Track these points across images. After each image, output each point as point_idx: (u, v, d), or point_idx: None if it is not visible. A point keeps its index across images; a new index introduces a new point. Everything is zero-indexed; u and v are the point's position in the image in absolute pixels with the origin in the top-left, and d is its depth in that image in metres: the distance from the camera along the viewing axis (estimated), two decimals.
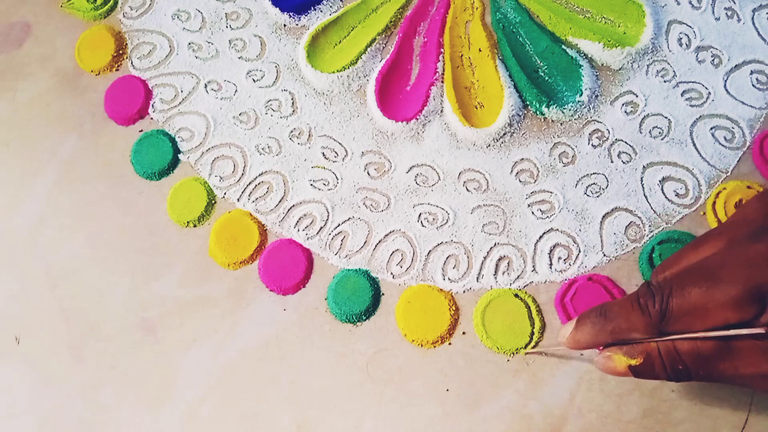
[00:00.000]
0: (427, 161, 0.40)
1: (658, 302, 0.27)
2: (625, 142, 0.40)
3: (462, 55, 0.42)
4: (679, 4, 0.43)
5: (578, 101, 0.40)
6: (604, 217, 0.38)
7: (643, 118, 0.40)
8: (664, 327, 0.27)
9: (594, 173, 0.39)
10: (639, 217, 0.38)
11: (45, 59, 0.44)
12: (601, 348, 0.29)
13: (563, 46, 0.42)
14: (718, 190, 0.38)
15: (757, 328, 0.25)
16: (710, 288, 0.26)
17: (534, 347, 0.36)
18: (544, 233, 0.38)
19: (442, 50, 0.43)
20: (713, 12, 0.42)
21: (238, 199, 0.40)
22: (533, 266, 0.37)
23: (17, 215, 0.41)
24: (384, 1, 0.44)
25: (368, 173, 0.40)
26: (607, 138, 0.40)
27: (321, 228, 0.39)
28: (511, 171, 0.40)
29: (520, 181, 0.39)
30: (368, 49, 0.43)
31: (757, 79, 0.41)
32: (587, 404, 0.34)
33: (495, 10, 0.43)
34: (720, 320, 0.26)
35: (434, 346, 0.36)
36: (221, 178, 0.41)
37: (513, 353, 0.35)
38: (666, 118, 0.40)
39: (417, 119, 0.40)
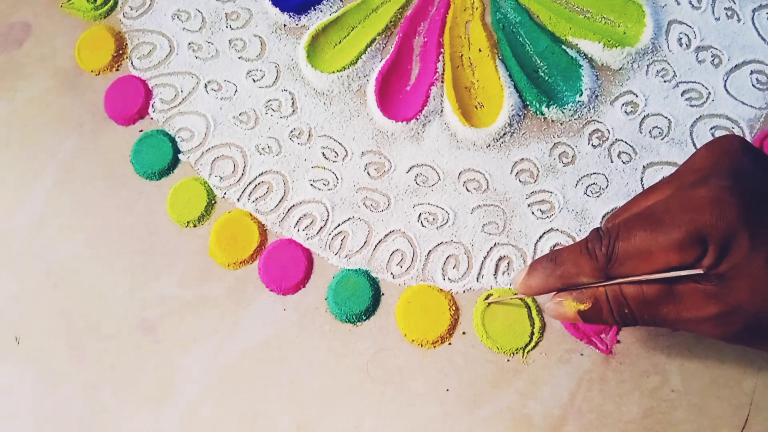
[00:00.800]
0: (427, 161, 0.40)
1: (605, 246, 0.27)
2: (625, 142, 0.40)
3: (462, 55, 0.42)
4: (679, 4, 0.43)
5: (578, 101, 0.40)
6: (604, 217, 0.38)
7: (643, 118, 0.40)
8: (610, 270, 0.27)
9: (594, 173, 0.39)
10: None
11: (45, 59, 0.44)
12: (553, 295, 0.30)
13: (563, 46, 0.42)
14: None
15: (696, 269, 0.26)
16: (654, 231, 0.26)
17: (534, 347, 0.36)
18: (544, 233, 0.38)
19: (442, 50, 0.43)
20: (713, 12, 0.42)
21: (238, 199, 0.40)
22: None
23: (17, 215, 0.41)
24: (384, 1, 0.44)
25: (368, 173, 0.40)
26: (607, 138, 0.40)
27: (321, 228, 0.39)
28: (511, 171, 0.40)
29: (520, 181, 0.39)
30: (368, 49, 0.43)
31: (757, 79, 0.41)
32: (587, 404, 0.34)
33: (495, 10, 0.43)
34: (663, 263, 0.26)
35: (434, 346, 0.36)
36: (221, 178, 0.41)
37: (513, 353, 0.35)
38: (666, 118, 0.40)
39: (417, 119, 0.40)
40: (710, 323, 0.27)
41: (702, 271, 0.26)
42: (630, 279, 0.27)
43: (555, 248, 0.30)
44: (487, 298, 0.36)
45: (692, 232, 0.25)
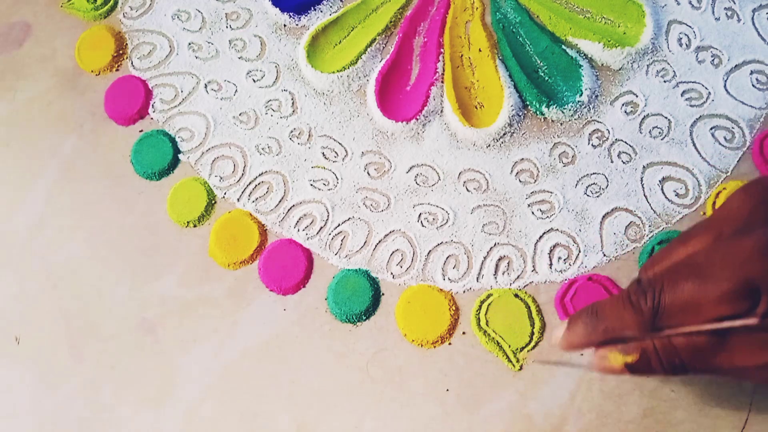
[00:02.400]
0: (427, 161, 0.40)
1: (650, 299, 0.27)
2: (625, 142, 0.40)
3: (462, 55, 0.42)
4: (679, 4, 0.43)
5: (578, 101, 0.40)
6: (604, 217, 0.38)
7: (643, 118, 0.40)
8: (657, 324, 0.27)
9: (594, 173, 0.39)
10: (639, 217, 0.38)
11: (45, 59, 0.44)
12: (596, 347, 0.29)
13: (563, 46, 0.42)
14: (718, 190, 0.38)
15: (750, 319, 0.25)
16: (702, 284, 0.26)
17: (534, 347, 0.36)
18: (544, 233, 0.38)
19: (442, 50, 0.43)
20: (713, 12, 0.42)
21: (238, 199, 0.40)
22: (533, 266, 0.37)
23: (17, 215, 0.41)
24: (384, 1, 0.44)
25: (368, 173, 0.40)
26: (607, 138, 0.40)
27: (321, 228, 0.39)
28: (511, 171, 0.40)
29: (520, 181, 0.39)
30: (368, 49, 0.43)
31: (757, 79, 0.41)
32: (587, 404, 0.34)
33: (495, 10, 0.43)
34: (713, 315, 0.26)
35: (434, 346, 0.36)
36: (221, 178, 0.41)
37: (514, 353, 0.35)
38: (666, 118, 0.40)
39: (417, 119, 0.40)
40: (763, 372, 0.26)
41: (756, 321, 0.25)
42: (679, 331, 0.26)
43: (593, 303, 0.29)
44: (526, 346, 0.35)
45: (743, 284, 0.25)
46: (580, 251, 0.37)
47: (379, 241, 0.39)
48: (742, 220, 0.27)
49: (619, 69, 0.41)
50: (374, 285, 0.37)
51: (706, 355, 0.27)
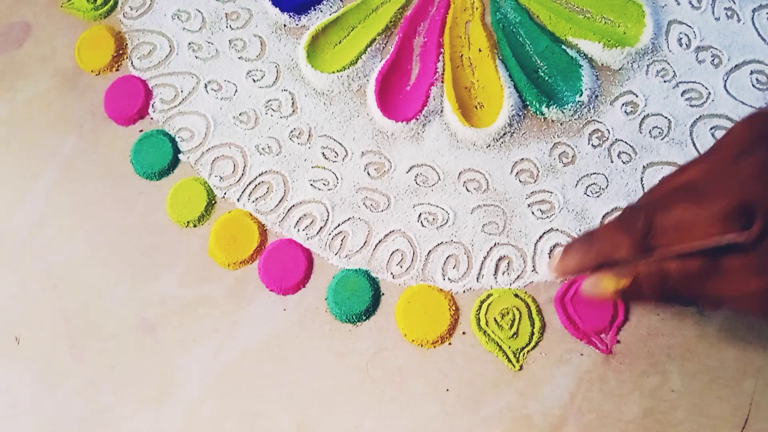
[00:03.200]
0: (427, 161, 0.40)
1: (642, 219, 0.26)
2: (625, 142, 0.40)
3: (462, 55, 0.42)
4: (679, 4, 0.43)
5: (578, 101, 0.40)
6: (604, 217, 0.38)
7: (643, 118, 0.40)
8: (648, 243, 0.26)
9: (594, 173, 0.39)
10: None
11: (45, 59, 0.44)
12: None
13: (563, 46, 0.42)
14: None
15: (742, 234, 0.25)
16: (696, 203, 0.25)
17: (534, 347, 0.36)
18: (544, 233, 0.38)
19: (442, 50, 0.43)
20: (713, 12, 0.42)
21: (238, 199, 0.40)
22: (533, 266, 0.37)
23: (17, 215, 0.41)
24: (384, 1, 0.44)
25: (368, 173, 0.40)
26: (607, 138, 0.40)
27: (321, 228, 0.39)
28: (511, 171, 0.40)
29: (520, 181, 0.39)
30: (368, 49, 0.43)
31: (757, 79, 0.41)
32: (587, 404, 0.34)
33: (495, 10, 0.43)
34: (704, 235, 0.25)
35: (434, 346, 0.36)
36: (221, 178, 0.41)
37: (514, 353, 0.35)
38: (666, 118, 0.40)
39: (417, 119, 0.40)
40: (755, 299, 0.26)
41: (746, 237, 0.25)
42: (671, 249, 0.26)
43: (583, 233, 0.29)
44: (526, 346, 0.36)
45: (739, 202, 0.25)
46: None
47: (379, 241, 0.39)
48: (743, 147, 0.27)
49: (619, 69, 0.41)
50: (374, 285, 0.37)
51: (698, 280, 0.26)
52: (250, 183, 0.40)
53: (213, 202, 0.40)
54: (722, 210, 0.25)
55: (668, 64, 0.41)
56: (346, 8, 0.44)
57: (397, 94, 0.42)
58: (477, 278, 0.37)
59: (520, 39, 0.42)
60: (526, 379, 0.35)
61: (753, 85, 0.40)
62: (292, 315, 0.37)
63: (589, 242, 0.29)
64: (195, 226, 0.40)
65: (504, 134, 0.40)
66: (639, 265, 0.27)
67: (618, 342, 0.35)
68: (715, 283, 0.26)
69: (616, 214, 0.38)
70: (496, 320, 0.36)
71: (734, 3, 0.43)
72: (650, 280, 0.27)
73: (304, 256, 0.38)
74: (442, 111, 0.41)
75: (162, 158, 0.41)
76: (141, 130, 0.42)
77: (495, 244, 0.38)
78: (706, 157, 0.28)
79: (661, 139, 0.40)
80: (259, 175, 0.41)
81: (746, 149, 0.26)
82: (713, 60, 0.41)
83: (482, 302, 0.37)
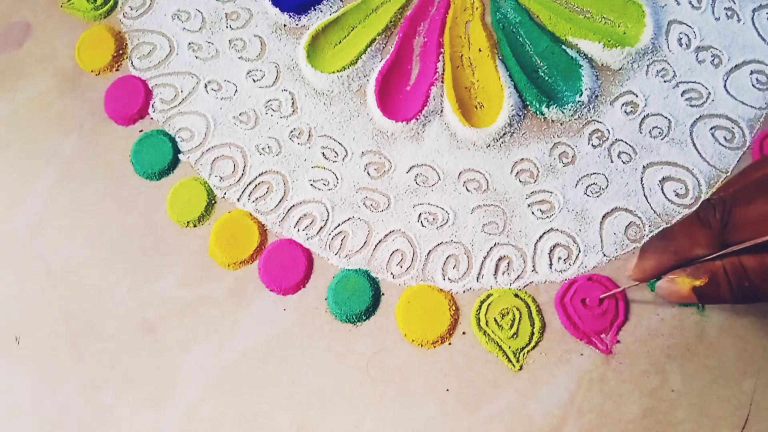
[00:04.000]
0: (427, 161, 0.40)
1: (719, 212, 0.26)
2: (625, 142, 0.40)
3: (462, 55, 0.42)
4: (679, 4, 0.43)
5: (578, 101, 0.40)
6: (604, 217, 0.38)
7: (643, 118, 0.40)
8: (726, 237, 0.26)
9: (594, 173, 0.39)
10: (639, 217, 0.38)
11: (45, 59, 0.44)
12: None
13: (563, 46, 0.42)
14: None
15: None
16: None
17: (534, 347, 0.36)
18: (544, 233, 0.38)
19: (442, 50, 0.43)
20: (713, 12, 0.42)
21: (238, 199, 0.40)
22: (533, 266, 0.37)
23: (17, 215, 0.41)
24: (384, 1, 0.44)
25: (368, 173, 0.40)
26: (607, 138, 0.40)
27: (321, 228, 0.39)
28: (511, 171, 0.40)
29: (520, 181, 0.39)
30: (368, 49, 0.43)
31: (757, 79, 0.41)
32: (587, 404, 0.34)
33: (495, 10, 0.43)
34: None
35: (434, 346, 0.36)
36: (221, 178, 0.41)
37: (514, 353, 0.35)
38: (666, 118, 0.40)
39: (417, 119, 0.40)
40: None
41: None
42: (750, 242, 0.25)
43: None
44: (526, 346, 0.35)
45: None
46: (580, 251, 0.37)
47: (379, 241, 0.39)
48: None
49: (619, 69, 0.41)
50: (374, 285, 0.37)
51: None
52: (250, 183, 0.40)
53: (213, 202, 0.40)
54: None
55: (668, 64, 0.41)
56: (346, 8, 0.44)
57: (397, 94, 0.42)
58: (477, 278, 0.37)
59: (520, 39, 0.42)
60: (526, 379, 0.35)
61: (753, 85, 0.40)
62: (292, 315, 0.37)
63: (666, 240, 0.28)
64: (195, 226, 0.40)
65: (504, 134, 0.40)
66: (717, 262, 0.27)
67: (618, 342, 0.35)
68: None
69: (618, 214, 0.38)
70: (496, 320, 0.36)
71: (734, 3, 0.43)
72: (728, 278, 0.26)
73: (304, 256, 0.38)
74: (442, 111, 0.41)
75: (162, 158, 0.41)
76: (141, 130, 0.42)
77: (495, 244, 0.38)
78: None
79: (661, 139, 0.40)
80: (259, 175, 0.41)
81: None
82: (713, 60, 0.41)
83: (482, 302, 0.37)
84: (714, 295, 0.27)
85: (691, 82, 0.41)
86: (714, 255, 0.27)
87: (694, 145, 0.39)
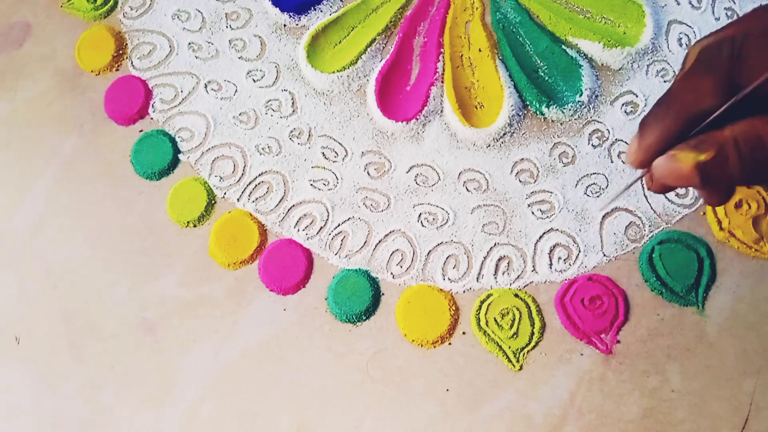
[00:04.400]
0: (427, 161, 0.40)
1: (727, 48, 0.21)
2: (625, 142, 0.40)
3: (462, 55, 0.42)
4: (679, 4, 0.43)
5: (578, 101, 0.40)
6: (604, 217, 0.38)
7: None
8: (737, 78, 0.21)
9: (594, 173, 0.39)
10: (639, 217, 0.38)
11: (45, 59, 0.44)
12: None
13: (563, 46, 0.42)
14: None
15: None
16: None
17: (534, 347, 0.36)
18: (544, 233, 0.38)
19: (442, 50, 0.43)
20: (713, 12, 0.42)
21: (238, 199, 0.40)
22: (533, 266, 0.37)
23: (17, 215, 0.41)
24: (384, 1, 0.44)
25: (368, 173, 0.40)
26: (607, 138, 0.40)
27: (321, 228, 0.39)
28: (511, 171, 0.40)
29: (520, 181, 0.39)
30: (368, 49, 0.43)
31: None
32: (587, 404, 0.34)
33: (495, 10, 0.43)
34: None
35: (434, 346, 0.36)
36: (221, 178, 0.41)
37: (514, 353, 0.35)
38: None
39: (417, 119, 0.40)
40: None
41: None
42: (758, 81, 0.21)
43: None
44: (526, 346, 0.35)
45: None
46: (580, 251, 0.37)
47: (379, 241, 0.39)
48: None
49: (619, 69, 0.41)
50: (374, 285, 0.37)
51: None
52: (250, 183, 0.40)
53: (213, 202, 0.40)
54: None
55: (668, 64, 0.41)
56: (346, 8, 0.44)
57: (397, 94, 0.42)
58: (477, 278, 0.37)
59: (520, 39, 0.42)
60: (526, 379, 0.35)
61: None
62: (292, 315, 0.37)
63: (666, 104, 0.23)
64: (195, 226, 0.40)
65: (504, 134, 0.40)
66: (726, 132, 0.22)
67: (618, 342, 0.35)
68: None
69: (618, 214, 0.38)
70: (496, 320, 0.36)
71: (734, 3, 0.43)
72: (739, 150, 0.22)
73: (304, 256, 0.38)
74: (442, 111, 0.41)
75: (162, 158, 0.41)
76: (141, 130, 0.42)
77: (495, 244, 0.38)
78: None
79: None
80: (259, 175, 0.41)
81: None
82: None
83: (482, 302, 0.37)
84: (720, 173, 0.22)
85: None
86: (728, 104, 0.22)
87: None
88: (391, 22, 0.43)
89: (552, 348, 0.36)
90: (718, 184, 0.23)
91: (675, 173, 0.23)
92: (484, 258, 0.38)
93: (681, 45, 0.42)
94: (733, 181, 0.23)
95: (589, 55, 0.42)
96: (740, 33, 0.21)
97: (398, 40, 0.43)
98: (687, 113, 0.22)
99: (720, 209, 0.37)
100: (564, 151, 0.40)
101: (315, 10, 0.44)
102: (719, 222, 0.37)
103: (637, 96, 0.41)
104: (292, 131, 0.41)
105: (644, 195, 0.38)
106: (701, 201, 0.38)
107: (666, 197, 0.38)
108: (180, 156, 0.41)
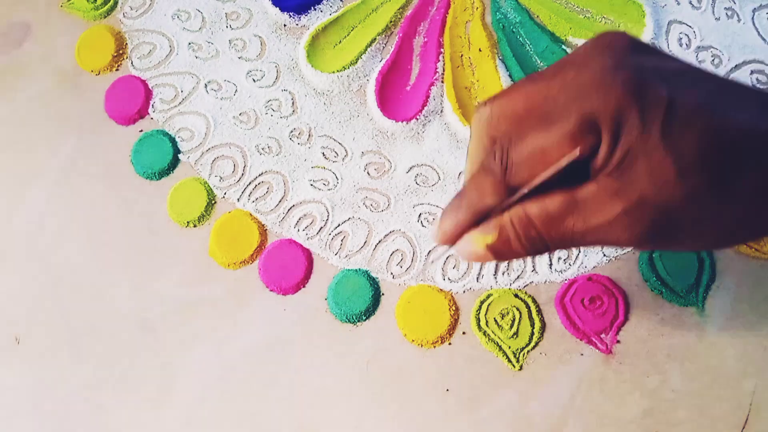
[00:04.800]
0: (427, 161, 0.40)
1: (498, 156, 0.25)
2: None
3: (462, 55, 0.42)
4: (679, 4, 0.43)
5: None
6: None
7: None
8: (509, 180, 0.25)
9: None
10: None
11: (45, 59, 0.44)
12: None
13: (563, 46, 0.42)
14: None
15: (573, 152, 0.23)
16: (543, 129, 0.24)
17: (534, 347, 0.36)
18: None
19: (442, 50, 0.43)
20: (713, 12, 0.42)
21: (238, 199, 0.40)
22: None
23: (17, 215, 0.41)
24: (384, 1, 0.44)
25: (368, 173, 0.40)
26: None
27: (321, 228, 0.39)
28: None
29: None
30: (368, 49, 0.43)
31: (757, 79, 0.41)
32: (587, 404, 0.34)
33: (495, 10, 0.43)
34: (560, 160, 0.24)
35: (434, 346, 0.36)
36: (221, 178, 0.41)
37: (514, 353, 0.35)
38: None
39: (417, 119, 0.40)
40: (618, 226, 0.24)
41: (579, 152, 0.23)
42: (530, 185, 0.25)
43: None
44: (526, 346, 0.35)
45: (582, 119, 0.23)
46: (580, 251, 0.37)
47: (379, 241, 0.39)
48: (581, 60, 0.25)
49: None
50: (374, 285, 0.37)
51: (559, 219, 0.25)
52: (250, 183, 0.40)
53: (213, 202, 0.40)
54: (569, 131, 0.23)
55: None
56: (346, 8, 0.44)
57: (397, 94, 0.42)
58: (477, 278, 0.37)
59: (520, 39, 0.42)
60: (526, 379, 0.35)
61: (753, 85, 0.40)
62: (292, 315, 0.37)
63: (459, 196, 0.27)
64: (195, 226, 0.40)
65: None
66: (504, 215, 0.26)
67: (618, 342, 0.35)
68: (578, 218, 0.24)
69: None
70: (496, 320, 0.36)
71: (734, 3, 0.43)
72: (515, 230, 0.26)
73: (304, 256, 0.38)
74: (442, 111, 0.41)
75: (162, 158, 0.41)
76: (141, 130, 0.42)
77: None
78: (548, 78, 0.25)
79: None
80: (259, 175, 0.41)
81: (584, 63, 0.24)
82: (713, 60, 0.41)
83: (482, 302, 0.37)
84: (508, 251, 0.26)
85: None
86: (505, 203, 0.26)
87: None
88: (391, 22, 0.43)
89: (552, 348, 0.36)
90: (512, 257, 0.27)
91: (472, 254, 0.27)
92: None
93: (681, 45, 0.42)
94: (522, 256, 0.27)
95: None
96: (506, 137, 0.25)
97: (398, 40, 0.43)
98: (475, 208, 0.26)
99: None
100: None
101: (315, 10, 0.44)
102: None
103: None
104: (292, 131, 0.41)
105: None
106: None
107: None
108: (180, 156, 0.41)
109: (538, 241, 0.26)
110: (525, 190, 0.25)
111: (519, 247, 0.26)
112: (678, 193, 0.23)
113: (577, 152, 0.23)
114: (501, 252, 0.26)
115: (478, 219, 0.27)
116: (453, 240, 0.28)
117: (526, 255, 0.27)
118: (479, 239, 0.26)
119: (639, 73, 0.23)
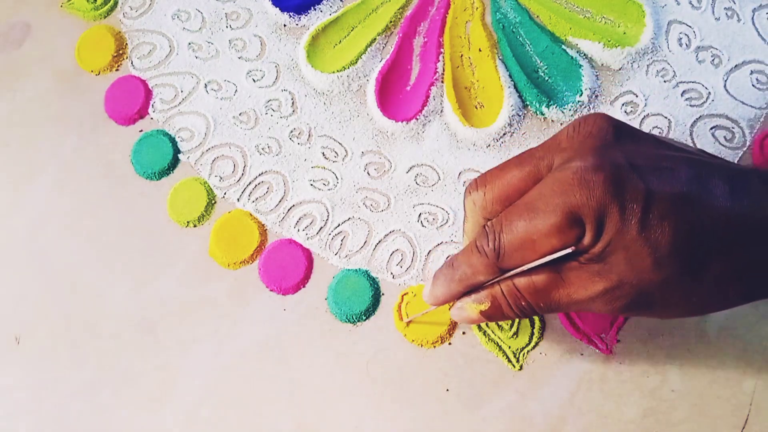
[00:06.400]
0: (427, 161, 0.40)
1: (491, 241, 0.28)
2: None
3: (462, 55, 0.42)
4: (679, 4, 0.43)
5: (578, 101, 0.40)
6: None
7: (643, 118, 0.40)
8: (501, 264, 0.28)
9: None
10: None
11: (45, 59, 0.44)
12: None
13: (563, 46, 0.42)
14: None
15: (566, 249, 0.26)
16: (532, 220, 0.27)
17: (534, 347, 0.36)
18: None
19: (442, 50, 0.43)
20: (713, 12, 0.42)
21: (238, 199, 0.40)
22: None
23: (17, 215, 0.41)
24: (384, 1, 0.44)
25: (368, 173, 0.40)
26: None
27: (321, 228, 0.39)
28: None
29: None
30: (368, 49, 0.43)
31: (757, 79, 0.41)
32: (587, 404, 0.34)
33: (495, 10, 0.43)
34: (547, 249, 0.27)
35: (434, 346, 0.36)
36: (221, 178, 0.41)
37: (514, 353, 0.36)
38: (666, 118, 0.40)
39: (417, 119, 0.40)
40: (600, 301, 0.27)
41: (572, 249, 0.26)
42: (520, 269, 0.28)
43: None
44: (526, 346, 0.36)
45: (567, 215, 0.26)
46: None
47: (379, 241, 0.39)
48: (569, 153, 0.28)
49: (619, 69, 0.41)
50: (374, 285, 0.37)
51: (546, 292, 0.28)
52: (250, 183, 0.40)
53: (213, 202, 0.40)
54: (555, 225, 0.26)
55: (668, 64, 0.41)
56: (346, 8, 0.44)
57: (397, 94, 0.42)
58: None
59: (520, 39, 0.42)
60: (526, 379, 0.35)
61: (753, 85, 0.40)
62: (292, 315, 0.37)
63: (452, 269, 0.30)
64: (195, 226, 0.40)
65: (504, 134, 0.40)
66: (495, 287, 0.29)
67: (618, 342, 0.35)
68: (563, 292, 0.28)
69: None
70: None
71: (734, 3, 0.43)
72: (506, 300, 0.29)
73: (304, 256, 0.38)
74: (442, 111, 0.41)
75: (162, 158, 0.41)
76: (141, 130, 0.42)
77: None
78: (539, 159, 0.29)
79: None
80: (259, 175, 0.41)
81: (569, 156, 0.27)
82: (713, 60, 0.41)
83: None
84: (500, 315, 0.30)
85: (691, 82, 0.41)
86: (493, 281, 0.29)
87: (694, 145, 0.39)
88: (391, 22, 0.43)
89: (552, 348, 0.36)
90: (504, 320, 0.32)
91: (467, 320, 0.31)
92: None
93: (681, 45, 0.42)
94: (513, 319, 0.31)
95: (589, 55, 0.42)
96: (498, 222, 0.28)
97: (398, 40, 0.43)
98: (467, 281, 0.30)
99: None
100: None
101: (315, 10, 0.44)
102: None
103: (637, 96, 0.41)
104: (292, 131, 0.41)
105: None
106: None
107: None
108: (180, 156, 0.41)
109: (527, 308, 0.29)
110: (515, 272, 0.28)
111: (510, 312, 0.30)
112: (654, 279, 0.26)
113: (569, 250, 0.26)
114: (493, 316, 0.30)
115: (469, 291, 0.30)
116: (444, 303, 0.32)
117: (515, 318, 0.30)
118: (474, 308, 0.30)
119: (617, 171, 0.26)
